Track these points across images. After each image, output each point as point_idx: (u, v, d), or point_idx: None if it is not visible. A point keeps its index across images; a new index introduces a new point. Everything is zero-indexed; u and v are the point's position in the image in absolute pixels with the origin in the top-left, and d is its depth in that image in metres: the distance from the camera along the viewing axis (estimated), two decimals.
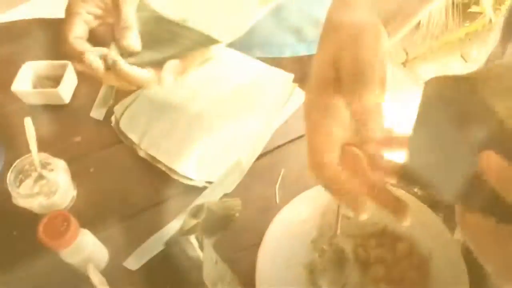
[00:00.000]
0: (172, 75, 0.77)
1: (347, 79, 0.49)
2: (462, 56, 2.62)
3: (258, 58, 1.04)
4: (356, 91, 0.48)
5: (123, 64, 0.76)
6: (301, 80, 1.15)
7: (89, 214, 0.87)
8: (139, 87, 0.80)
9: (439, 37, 2.57)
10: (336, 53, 0.52)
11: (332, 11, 0.57)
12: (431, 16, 2.41)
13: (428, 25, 2.46)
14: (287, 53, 1.14)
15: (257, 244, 0.76)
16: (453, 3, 2.43)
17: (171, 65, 0.78)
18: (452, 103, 0.41)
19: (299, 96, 0.97)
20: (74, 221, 0.73)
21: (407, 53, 2.53)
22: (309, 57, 1.14)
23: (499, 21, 0.78)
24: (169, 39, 0.80)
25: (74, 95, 1.02)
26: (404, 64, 2.57)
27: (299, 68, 1.16)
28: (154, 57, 0.79)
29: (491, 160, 0.37)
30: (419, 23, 2.45)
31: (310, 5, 1.07)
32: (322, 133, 0.53)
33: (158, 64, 0.78)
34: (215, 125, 0.93)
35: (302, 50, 1.14)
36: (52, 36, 1.12)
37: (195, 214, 0.74)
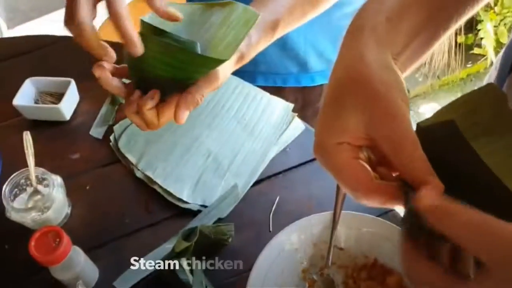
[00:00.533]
0: (188, 109, 0.72)
1: (389, 155, 0.46)
2: None
3: (261, 87, 1.05)
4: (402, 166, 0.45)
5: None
6: (302, 109, 1.17)
7: (82, 231, 0.87)
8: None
9: (441, 76, 2.60)
10: (367, 121, 0.47)
11: (346, 56, 0.52)
12: (434, 56, 2.44)
13: (431, 64, 2.48)
14: (290, 83, 1.15)
15: (248, 271, 0.75)
16: (456, 44, 2.46)
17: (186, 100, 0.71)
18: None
19: (298, 125, 0.97)
20: (66, 238, 0.73)
21: (408, 91, 2.54)
22: (311, 88, 1.16)
23: (495, 60, 0.79)
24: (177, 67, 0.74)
25: (75, 113, 1.03)
26: None
27: (301, 97, 1.17)
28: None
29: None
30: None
31: (315, 37, 1.08)
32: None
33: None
34: (213, 150, 0.94)
35: (305, 81, 1.15)
36: (56, 53, 1.13)
37: (187, 236, 0.73)
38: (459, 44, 2.52)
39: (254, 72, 1.15)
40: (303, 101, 1.19)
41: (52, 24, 2.72)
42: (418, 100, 2.60)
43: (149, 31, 0.70)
